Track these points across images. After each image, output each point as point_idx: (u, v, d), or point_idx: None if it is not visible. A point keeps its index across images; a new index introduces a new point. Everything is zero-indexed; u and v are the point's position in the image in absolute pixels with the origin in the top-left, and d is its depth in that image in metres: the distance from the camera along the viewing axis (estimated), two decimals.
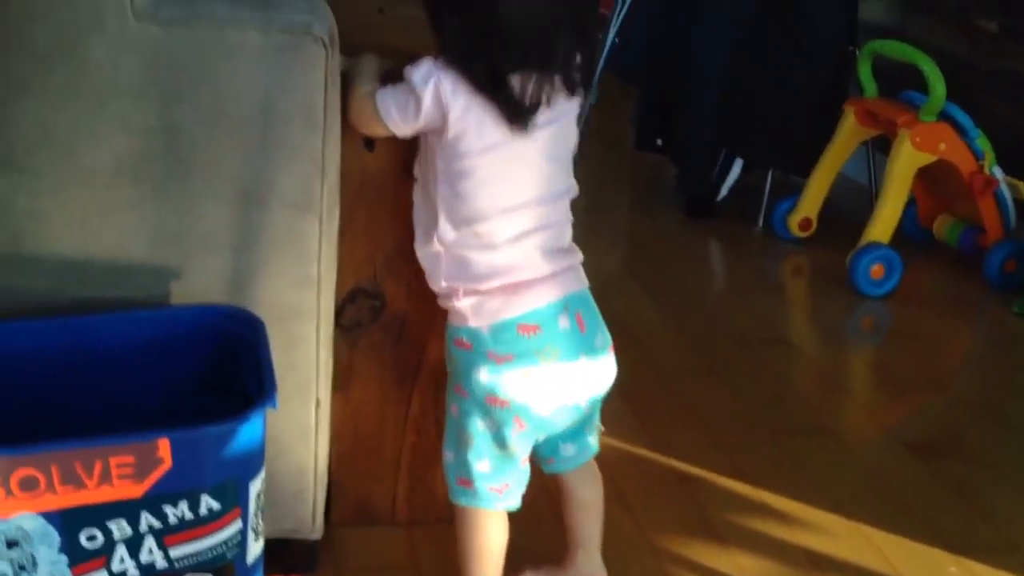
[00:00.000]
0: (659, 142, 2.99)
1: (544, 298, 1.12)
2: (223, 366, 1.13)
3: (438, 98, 1.09)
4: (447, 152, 1.11)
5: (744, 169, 2.89)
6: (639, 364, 1.96)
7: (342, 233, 1.22)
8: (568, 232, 1.18)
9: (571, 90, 1.12)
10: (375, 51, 1.25)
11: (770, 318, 2.35)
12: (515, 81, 1.08)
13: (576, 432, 1.21)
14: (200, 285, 1.13)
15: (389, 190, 1.26)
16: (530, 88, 1.08)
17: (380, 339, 1.34)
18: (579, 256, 1.18)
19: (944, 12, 2.94)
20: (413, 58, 1.12)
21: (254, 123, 1.07)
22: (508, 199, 1.11)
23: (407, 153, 1.23)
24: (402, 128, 1.13)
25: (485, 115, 1.09)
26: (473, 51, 1.08)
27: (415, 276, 1.24)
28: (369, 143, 1.24)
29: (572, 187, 1.18)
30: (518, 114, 1.09)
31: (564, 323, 1.13)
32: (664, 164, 3.04)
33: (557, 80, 1.10)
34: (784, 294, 2.62)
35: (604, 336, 1.18)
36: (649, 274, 2.51)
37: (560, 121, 1.13)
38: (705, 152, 2.80)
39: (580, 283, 1.17)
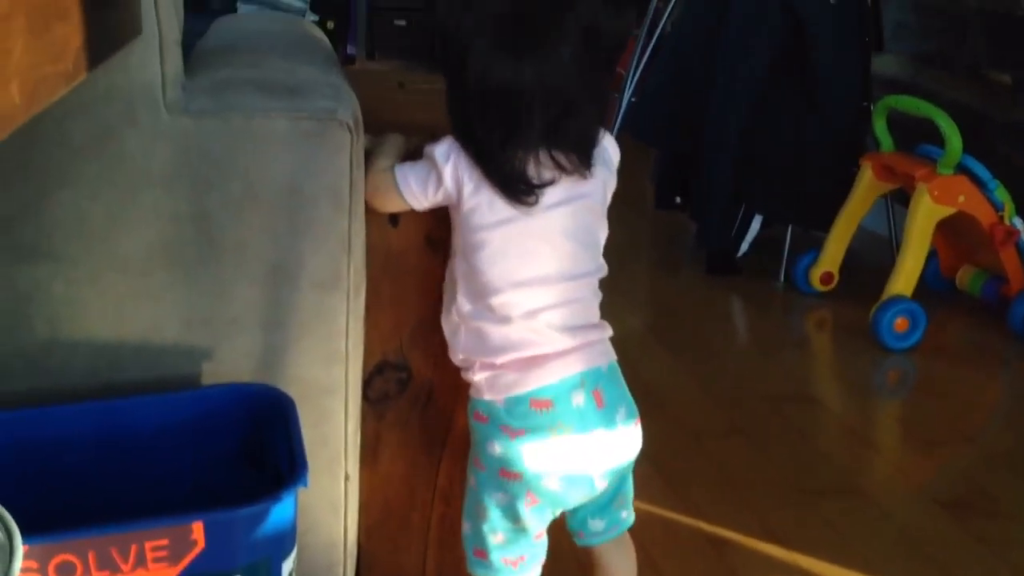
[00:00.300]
0: (678, 200, 3.02)
1: (558, 374, 1.12)
2: (254, 443, 1.14)
3: (456, 174, 1.11)
4: (463, 225, 1.14)
5: (764, 224, 2.91)
6: (665, 425, 1.96)
7: (368, 307, 1.24)
8: (594, 309, 1.18)
9: (559, 166, 1.10)
10: (397, 128, 1.28)
11: (795, 375, 2.35)
12: (519, 158, 1.10)
13: (604, 507, 1.21)
14: (231, 364, 1.15)
15: (413, 264, 1.29)
16: (521, 163, 1.10)
17: (407, 411, 1.35)
18: (606, 332, 1.18)
19: (957, 66, 2.97)
20: (433, 133, 1.16)
21: (282, 206, 1.10)
22: (521, 273, 1.12)
23: (430, 227, 1.26)
24: (420, 201, 1.15)
25: (496, 190, 1.11)
26: (463, 127, 1.11)
27: (441, 347, 1.26)
28: (394, 219, 1.26)
29: (600, 267, 1.18)
30: (512, 190, 1.10)
31: (579, 399, 1.13)
32: (684, 222, 3.07)
33: (544, 155, 1.10)
34: (808, 350, 2.62)
35: (628, 409, 1.18)
36: (672, 332, 2.52)
37: (579, 201, 1.14)
38: (724, 209, 2.83)
39: (603, 358, 1.16)
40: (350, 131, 1.10)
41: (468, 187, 1.11)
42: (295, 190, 1.09)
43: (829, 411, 2.20)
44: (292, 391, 1.13)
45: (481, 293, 1.13)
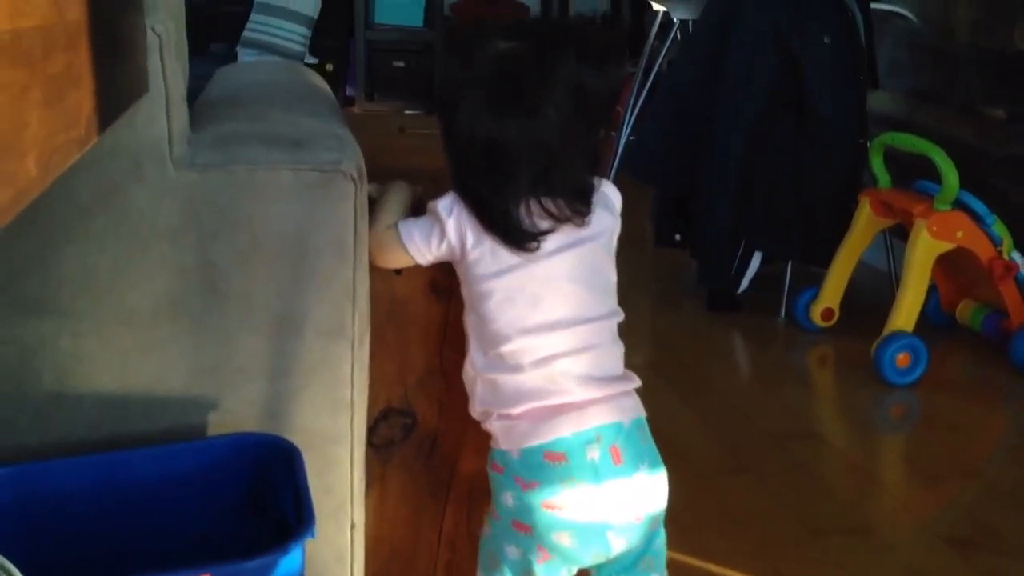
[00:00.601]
0: (678, 237, 3.03)
1: (572, 427, 1.11)
2: (260, 492, 1.15)
3: (459, 226, 1.13)
4: (468, 277, 1.14)
5: (764, 261, 2.92)
6: (667, 462, 1.95)
7: (373, 354, 1.25)
8: (615, 358, 1.16)
9: (551, 214, 1.11)
10: (399, 174, 1.30)
11: (798, 411, 2.35)
12: (511, 206, 1.11)
13: (629, 567, 1.17)
14: (237, 414, 1.15)
15: (417, 311, 1.30)
16: (514, 212, 1.11)
17: (412, 457, 1.35)
18: (630, 384, 1.16)
19: (952, 102, 3.00)
20: (434, 178, 1.17)
21: (287, 257, 1.11)
22: (531, 320, 1.12)
23: (433, 275, 1.27)
24: (425, 255, 1.16)
25: (496, 239, 1.12)
26: (458, 178, 1.13)
27: (446, 393, 1.26)
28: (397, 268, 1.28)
29: (615, 311, 1.17)
30: (512, 238, 1.11)
31: (594, 454, 1.11)
32: (684, 258, 3.07)
33: (535, 205, 1.11)
34: (811, 386, 2.62)
35: (651, 462, 1.16)
36: (673, 369, 2.52)
37: (585, 245, 1.14)
38: (724, 246, 2.84)
39: (626, 414, 1.14)
40: (354, 182, 1.12)
41: (471, 239, 1.12)
42: (299, 241, 1.10)
43: (832, 447, 2.20)
44: (297, 440, 1.14)
45: (492, 343, 1.14)
